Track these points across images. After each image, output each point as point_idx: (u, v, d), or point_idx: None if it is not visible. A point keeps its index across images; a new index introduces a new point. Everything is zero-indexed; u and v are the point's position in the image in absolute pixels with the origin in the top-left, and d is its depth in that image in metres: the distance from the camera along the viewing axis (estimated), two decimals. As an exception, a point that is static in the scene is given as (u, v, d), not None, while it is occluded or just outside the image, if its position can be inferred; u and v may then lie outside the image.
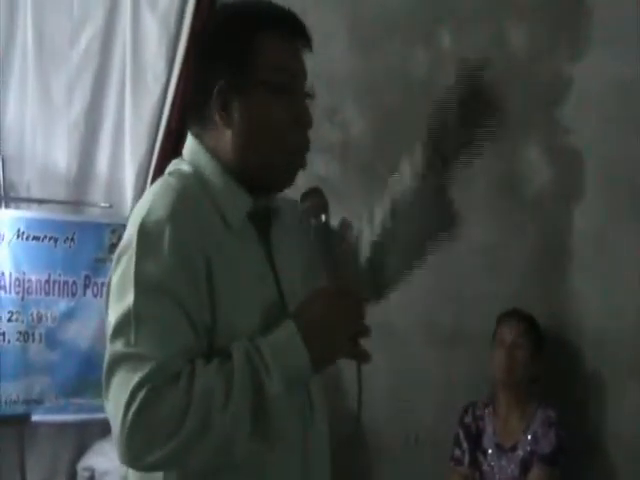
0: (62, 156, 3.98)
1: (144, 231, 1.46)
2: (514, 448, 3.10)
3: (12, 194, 3.89)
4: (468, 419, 3.21)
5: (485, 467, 3.14)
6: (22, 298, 3.67)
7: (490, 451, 3.14)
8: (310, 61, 3.78)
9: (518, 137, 3.37)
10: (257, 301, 1.53)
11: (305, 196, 1.66)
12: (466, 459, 3.17)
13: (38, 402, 3.66)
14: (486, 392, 3.24)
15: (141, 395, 1.36)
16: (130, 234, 1.49)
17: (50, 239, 3.72)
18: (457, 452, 3.20)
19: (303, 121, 1.59)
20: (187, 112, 1.66)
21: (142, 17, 3.95)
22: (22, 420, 3.63)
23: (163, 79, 3.89)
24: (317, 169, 3.64)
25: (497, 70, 3.35)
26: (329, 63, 3.60)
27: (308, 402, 1.59)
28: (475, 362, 3.31)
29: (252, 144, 1.55)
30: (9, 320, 3.64)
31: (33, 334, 3.68)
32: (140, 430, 1.36)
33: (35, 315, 3.70)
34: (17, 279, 3.67)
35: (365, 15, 3.61)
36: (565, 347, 3.26)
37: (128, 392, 1.37)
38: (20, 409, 3.63)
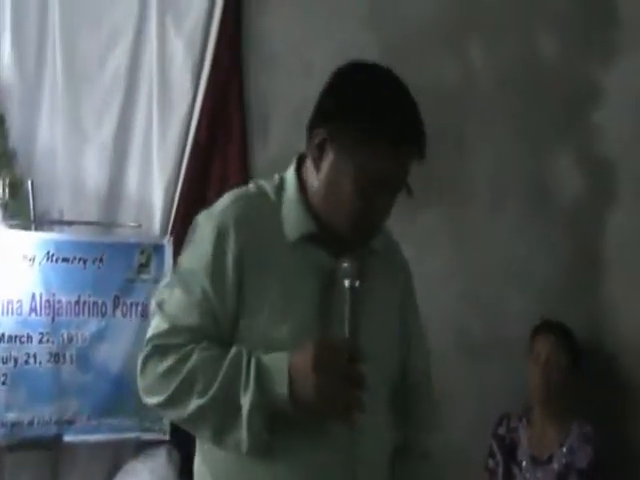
0: (92, 177, 4.00)
1: (196, 222, 1.72)
2: (549, 460, 3.05)
3: (44, 217, 3.91)
4: (502, 430, 3.16)
5: (520, 479, 3.08)
6: (53, 319, 3.67)
7: (524, 463, 3.09)
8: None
9: (549, 146, 3.33)
10: (285, 316, 1.63)
11: (345, 256, 1.67)
12: (500, 470, 3.12)
13: (70, 422, 3.65)
14: (519, 403, 3.17)
15: (147, 348, 1.64)
16: None
17: (79, 260, 3.72)
18: (491, 463, 3.15)
19: (366, 214, 1.66)
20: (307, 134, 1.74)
21: (168, 38, 3.97)
22: (55, 441, 3.62)
23: (189, 98, 3.90)
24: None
25: (528, 78, 3.35)
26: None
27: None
28: (507, 372, 3.26)
29: (328, 198, 1.67)
30: (40, 342, 3.64)
31: (64, 355, 3.67)
32: (142, 376, 1.66)
33: (66, 336, 3.68)
34: (47, 301, 3.67)
35: (394, 26, 3.58)
36: (602, 359, 3.20)
37: (146, 339, 1.66)
38: (52, 430, 3.62)
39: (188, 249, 1.71)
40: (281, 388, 1.55)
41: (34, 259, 3.68)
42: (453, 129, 3.47)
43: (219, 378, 1.57)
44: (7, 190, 3.78)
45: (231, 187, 3.66)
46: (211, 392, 1.57)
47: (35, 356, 3.63)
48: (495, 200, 3.42)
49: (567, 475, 3.01)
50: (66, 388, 3.65)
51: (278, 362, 1.57)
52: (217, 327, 1.64)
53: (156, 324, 1.67)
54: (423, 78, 3.52)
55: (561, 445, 3.05)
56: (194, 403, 1.58)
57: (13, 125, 4.09)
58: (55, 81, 4.05)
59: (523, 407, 3.17)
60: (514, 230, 3.35)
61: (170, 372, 1.60)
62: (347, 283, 1.61)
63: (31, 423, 3.60)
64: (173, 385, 1.59)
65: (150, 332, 1.67)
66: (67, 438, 3.65)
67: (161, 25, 3.98)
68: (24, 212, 3.88)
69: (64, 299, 3.70)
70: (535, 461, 3.08)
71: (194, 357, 1.59)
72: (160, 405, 1.63)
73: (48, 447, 3.67)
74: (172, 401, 1.60)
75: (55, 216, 3.96)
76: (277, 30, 3.76)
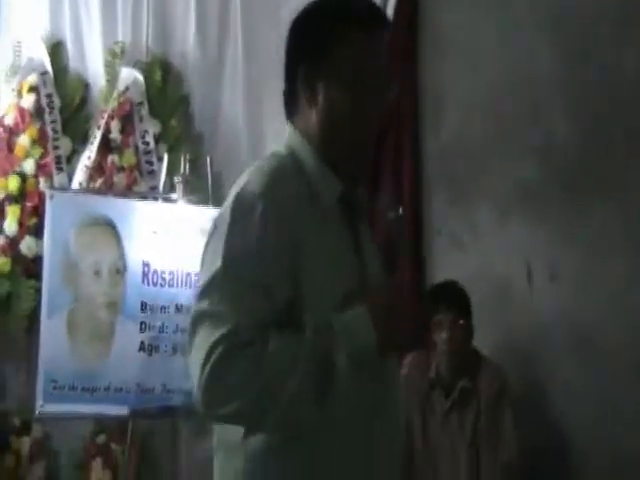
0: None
1: (237, 205, 1.63)
2: None
3: (220, 193, 4.04)
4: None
5: None
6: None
7: None
8: (511, 61, 3.61)
9: None
10: (342, 281, 1.65)
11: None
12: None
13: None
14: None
15: (217, 352, 1.52)
16: (226, 206, 1.66)
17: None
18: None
19: (382, 99, 1.72)
20: (284, 100, 1.78)
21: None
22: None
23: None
24: (517, 173, 3.50)
25: None
26: (531, 63, 3.48)
27: (381, 392, 1.69)
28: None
29: (335, 122, 1.70)
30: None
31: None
32: (214, 384, 1.52)
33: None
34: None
35: (572, 13, 3.42)
36: None
37: (206, 348, 1.53)
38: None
39: (236, 235, 1.61)
40: (368, 335, 1.58)
41: (211, 233, 3.80)
42: (629, 125, 3.31)
43: (306, 350, 1.55)
44: (187, 166, 3.91)
45: (402, 173, 3.67)
46: (303, 365, 1.54)
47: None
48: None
49: None
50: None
51: (356, 315, 1.59)
52: (279, 311, 1.59)
53: (215, 330, 1.55)
54: (602, 69, 3.38)
55: None
56: (292, 382, 1.53)
57: (196, 104, 4.25)
58: (236, 62, 4.17)
59: None
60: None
61: (256, 365, 1.52)
62: (392, 214, 1.76)
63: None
64: (263, 375, 1.53)
65: (208, 342, 1.54)
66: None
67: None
68: (202, 188, 4.02)
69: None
70: None
71: (272, 343, 1.54)
72: (250, 403, 1.53)
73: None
74: (267, 392, 1.53)
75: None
76: (453, 16, 3.69)
